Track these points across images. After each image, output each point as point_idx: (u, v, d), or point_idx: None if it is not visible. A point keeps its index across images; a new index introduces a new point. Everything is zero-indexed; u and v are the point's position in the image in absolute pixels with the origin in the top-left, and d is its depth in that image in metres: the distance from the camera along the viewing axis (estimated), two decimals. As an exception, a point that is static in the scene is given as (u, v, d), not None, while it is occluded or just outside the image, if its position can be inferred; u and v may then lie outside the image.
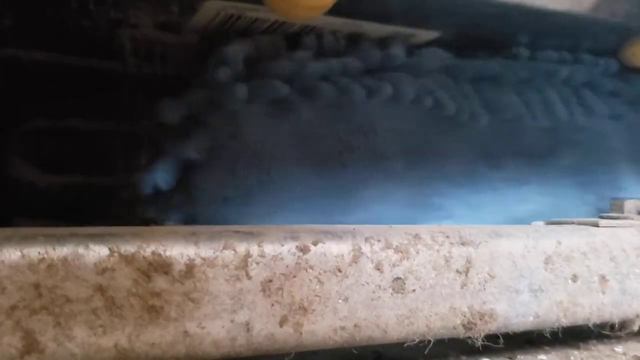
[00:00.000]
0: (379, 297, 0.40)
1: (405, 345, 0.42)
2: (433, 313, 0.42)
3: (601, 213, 0.58)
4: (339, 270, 0.39)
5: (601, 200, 0.77)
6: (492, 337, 0.46)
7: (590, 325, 0.49)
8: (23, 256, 0.33)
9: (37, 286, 0.33)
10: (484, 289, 0.44)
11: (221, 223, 0.54)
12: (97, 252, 0.34)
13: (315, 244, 0.39)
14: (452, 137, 0.73)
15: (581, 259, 0.48)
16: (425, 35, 0.75)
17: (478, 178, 0.73)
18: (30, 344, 0.32)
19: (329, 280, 0.39)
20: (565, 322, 0.47)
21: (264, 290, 0.37)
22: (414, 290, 0.41)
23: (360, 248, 0.40)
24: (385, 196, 0.68)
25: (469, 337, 0.44)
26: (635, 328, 0.52)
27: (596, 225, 0.52)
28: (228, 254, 0.37)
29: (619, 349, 0.52)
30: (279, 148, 0.64)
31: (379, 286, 0.40)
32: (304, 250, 0.39)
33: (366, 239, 0.41)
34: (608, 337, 0.53)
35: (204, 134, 0.63)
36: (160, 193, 0.64)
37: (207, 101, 0.65)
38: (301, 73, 0.67)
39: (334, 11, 0.61)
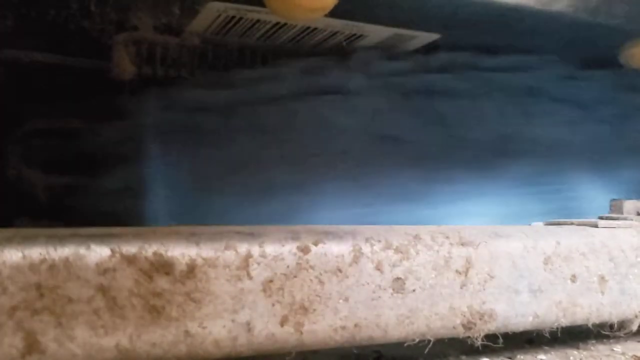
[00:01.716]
0: (379, 297, 0.41)
1: (405, 344, 0.43)
2: (433, 313, 0.42)
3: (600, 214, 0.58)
4: (340, 271, 0.39)
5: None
6: (491, 337, 0.46)
7: (590, 325, 0.49)
8: (24, 257, 0.33)
9: (38, 287, 0.33)
10: (484, 289, 0.44)
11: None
12: (98, 252, 0.34)
13: (315, 244, 0.39)
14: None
15: (580, 260, 0.48)
16: (426, 37, 0.76)
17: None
18: (32, 345, 0.32)
19: (330, 280, 0.39)
20: (565, 322, 0.48)
21: (264, 290, 0.37)
22: (414, 290, 0.42)
23: (361, 248, 0.40)
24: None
25: (469, 337, 0.44)
26: (634, 328, 0.52)
27: (595, 225, 0.52)
28: (229, 254, 0.37)
29: (618, 348, 0.52)
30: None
31: (379, 286, 0.41)
32: (304, 250, 0.39)
33: (366, 239, 0.41)
34: (607, 337, 0.53)
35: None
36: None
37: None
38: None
39: (334, 13, 0.62)
